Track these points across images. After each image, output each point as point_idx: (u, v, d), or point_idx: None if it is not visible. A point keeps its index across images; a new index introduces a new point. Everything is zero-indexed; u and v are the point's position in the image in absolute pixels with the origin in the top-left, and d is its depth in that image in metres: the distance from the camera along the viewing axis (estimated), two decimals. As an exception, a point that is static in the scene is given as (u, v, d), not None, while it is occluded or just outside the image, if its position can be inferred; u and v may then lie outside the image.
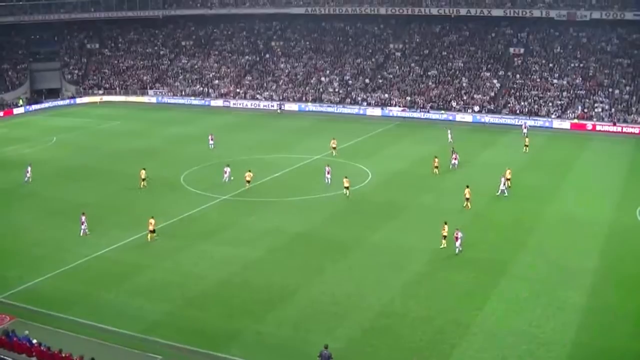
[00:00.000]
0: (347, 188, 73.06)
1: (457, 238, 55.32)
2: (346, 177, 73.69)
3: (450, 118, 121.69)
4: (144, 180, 78.08)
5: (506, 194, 73.12)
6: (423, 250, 56.75)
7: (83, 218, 61.12)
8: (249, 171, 78.47)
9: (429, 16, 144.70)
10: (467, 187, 69.68)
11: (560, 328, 43.51)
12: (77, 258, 56.26)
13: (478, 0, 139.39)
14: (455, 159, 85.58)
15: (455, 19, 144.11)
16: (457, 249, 55.37)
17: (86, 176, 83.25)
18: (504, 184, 73.80)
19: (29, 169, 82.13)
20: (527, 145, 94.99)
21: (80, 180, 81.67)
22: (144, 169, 79.25)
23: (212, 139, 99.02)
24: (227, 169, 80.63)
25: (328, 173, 77.58)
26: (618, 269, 53.16)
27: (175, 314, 46.74)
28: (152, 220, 60.90)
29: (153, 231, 60.69)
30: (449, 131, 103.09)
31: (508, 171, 76.77)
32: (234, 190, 75.05)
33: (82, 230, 60.54)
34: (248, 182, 77.21)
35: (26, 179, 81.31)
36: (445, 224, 57.79)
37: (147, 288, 50.68)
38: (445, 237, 57.29)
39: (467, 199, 69.24)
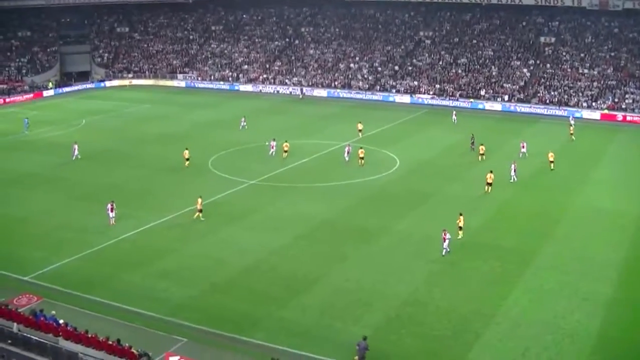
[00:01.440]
0: None
1: (444, 239, 53.44)
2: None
3: (480, 106, 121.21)
4: (187, 160, 79.28)
5: (514, 180, 73.15)
6: (449, 239, 56.52)
7: (111, 206, 60.43)
8: (286, 142, 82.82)
9: (459, 4, 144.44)
10: (491, 172, 70.36)
11: (585, 319, 43.32)
12: (104, 240, 56.63)
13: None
14: (475, 147, 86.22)
15: (485, 7, 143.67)
16: (444, 250, 53.44)
17: (114, 159, 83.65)
18: (514, 171, 73.82)
19: (76, 147, 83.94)
20: (572, 134, 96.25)
21: (108, 163, 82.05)
22: (187, 148, 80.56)
23: (244, 121, 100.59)
24: (273, 143, 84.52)
25: (347, 152, 79.81)
26: (645, 261, 52.93)
27: (201, 297, 46.96)
28: (199, 200, 61.81)
29: (200, 210, 61.38)
30: (453, 113, 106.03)
31: (551, 154, 79.37)
32: (261, 175, 75.12)
33: (110, 219, 60.13)
34: (285, 152, 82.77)
35: (74, 157, 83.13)
36: (461, 215, 57.54)
37: (173, 271, 50.90)
38: (461, 228, 56.99)
39: (489, 184, 69.76)
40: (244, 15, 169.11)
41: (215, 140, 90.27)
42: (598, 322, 43.08)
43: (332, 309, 45.07)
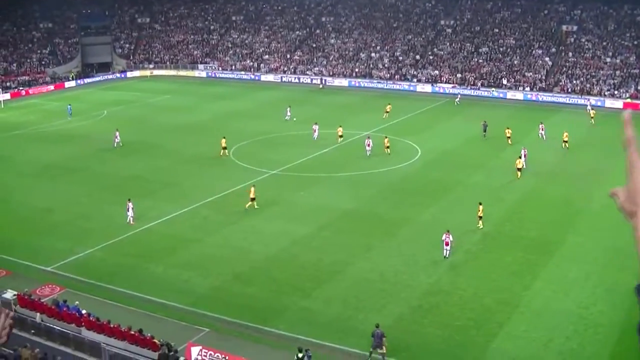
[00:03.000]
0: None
1: (447, 243, 50.89)
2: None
3: (501, 95, 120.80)
4: (224, 148, 79.76)
5: (524, 166, 72.51)
6: (472, 229, 56.35)
7: (130, 205, 58.94)
8: (340, 127, 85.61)
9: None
10: (520, 157, 71.80)
11: (608, 310, 43.09)
12: (127, 231, 56.78)
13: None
14: (487, 134, 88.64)
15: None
16: (445, 252, 51.05)
17: (136, 150, 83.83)
18: (525, 156, 73.65)
19: (117, 133, 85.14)
20: (592, 117, 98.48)
21: (130, 153, 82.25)
22: (224, 137, 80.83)
23: (289, 112, 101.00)
24: (316, 127, 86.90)
25: (368, 145, 78.45)
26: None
27: (223, 288, 47.04)
28: (252, 189, 61.89)
29: (253, 199, 61.46)
30: (459, 95, 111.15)
31: (565, 134, 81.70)
32: (283, 165, 75.15)
33: (128, 217, 58.73)
34: (340, 136, 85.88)
35: (115, 144, 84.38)
36: (480, 204, 57.14)
37: (196, 262, 50.98)
38: (480, 217, 56.64)
39: (519, 169, 70.72)
40: (265, 5, 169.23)
41: (236, 131, 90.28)
42: (622, 313, 42.76)
43: (355, 299, 44.99)
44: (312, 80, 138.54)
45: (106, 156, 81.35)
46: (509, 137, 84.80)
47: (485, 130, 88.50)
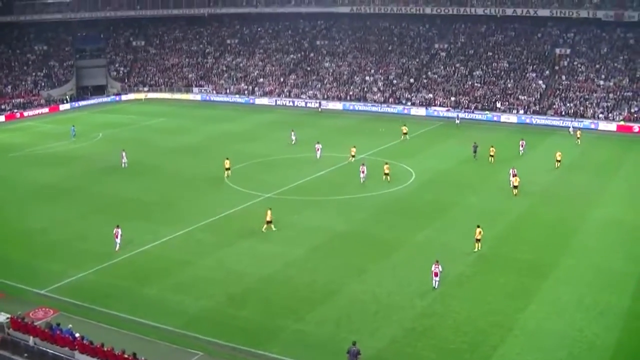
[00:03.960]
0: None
1: (436, 273, 49.68)
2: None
3: (495, 118, 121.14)
4: (228, 169, 80.00)
5: (514, 193, 73.12)
6: (466, 252, 56.45)
7: (118, 231, 58.31)
8: (354, 147, 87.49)
9: (474, 16, 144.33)
10: (516, 175, 73.53)
11: (602, 332, 43.10)
12: (121, 253, 56.71)
13: (524, 0, 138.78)
14: (478, 155, 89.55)
15: (500, 19, 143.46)
16: (434, 282, 49.72)
17: (131, 172, 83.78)
18: (513, 177, 74.34)
19: (124, 154, 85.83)
20: (579, 138, 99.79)
21: (125, 176, 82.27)
22: (228, 158, 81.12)
23: (294, 135, 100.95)
24: (319, 146, 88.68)
25: (363, 172, 77.74)
26: (664, 273, 52.67)
27: (217, 310, 46.97)
28: (269, 211, 61.85)
29: (270, 222, 61.57)
30: (458, 115, 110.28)
31: (559, 154, 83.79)
32: (277, 188, 75.15)
33: (117, 245, 58.13)
34: (353, 156, 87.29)
35: (123, 164, 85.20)
36: (478, 227, 57.28)
37: (189, 284, 50.94)
38: (478, 240, 56.83)
39: (515, 187, 72.17)
40: (259, 29, 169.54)
41: (232, 153, 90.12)
42: (616, 335, 42.88)
43: (348, 321, 44.98)
44: (306, 103, 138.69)
45: (102, 178, 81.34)
46: (492, 156, 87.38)
47: (475, 152, 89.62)
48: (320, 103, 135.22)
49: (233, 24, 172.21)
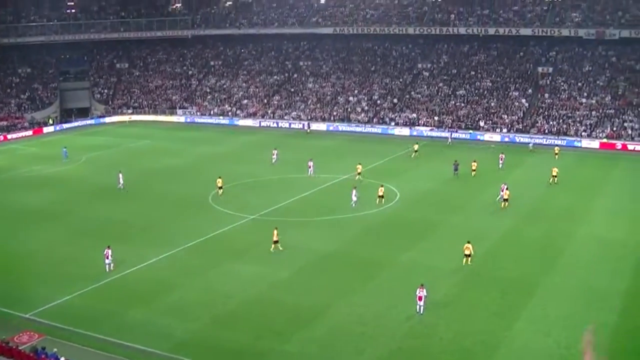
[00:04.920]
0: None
1: (420, 297, 48.75)
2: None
3: (479, 137, 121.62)
4: (220, 188, 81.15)
5: (502, 206, 74.64)
6: (452, 271, 56.53)
7: (108, 252, 58.35)
8: (359, 164, 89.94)
9: (457, 36, 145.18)
10: (507, 188, 75.57)
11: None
12: (107, 276, 56.46)
13: (506, 19, 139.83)
14: (459, 174, 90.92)
15: (483, 39, 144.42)
16: (418, 307, 49.46)
17: (116, 194, 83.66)
18: (503, 192, 75.94)
19: (121, 175, 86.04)
20: (557, 153, 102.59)
21: (110, 198, 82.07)
22: (220, 177, 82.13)
23: (276, 155, 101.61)
24: (311, 163, 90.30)
25: (355, 196, 76.74)
26: (649, 290, 52.86)
27: (203, 332, 46.77)
28: (275, 231, 61.96)
29: (277, 241, 61.71)
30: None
31: (555, 170, 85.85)
32: (262, 210, 75.13)
33: (107, 266, 58.14)
34: (359, 174, 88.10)
35: (120, 185, 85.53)
36: (468, 242, 57.73)
37: (175, 307, 50.75)
38: (467, 255, 57.40)
39: (505, 200, 74.28)
40: (243, 50, 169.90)
41: (216, 175, 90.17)
42: (603, 353, 42.83)
43: (335, 342, 44.91)
44: (290, 124, 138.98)
45: (87, 201, 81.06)
46: (473, 170, 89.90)
47: (456, 170, 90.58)
48: (309, 124, 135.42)
49: (216, 45, 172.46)
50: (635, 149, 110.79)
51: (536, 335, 45.28)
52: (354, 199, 76.25)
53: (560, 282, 54.33)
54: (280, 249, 61.59)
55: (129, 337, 45.85)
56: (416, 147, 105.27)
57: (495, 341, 44.58)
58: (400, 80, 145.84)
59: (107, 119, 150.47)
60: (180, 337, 45.98)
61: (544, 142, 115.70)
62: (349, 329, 46.62)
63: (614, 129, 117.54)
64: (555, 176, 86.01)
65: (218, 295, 52.79)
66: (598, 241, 64.21)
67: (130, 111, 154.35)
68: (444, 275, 55.40)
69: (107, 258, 57.97)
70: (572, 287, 53.27)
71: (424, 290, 48.95)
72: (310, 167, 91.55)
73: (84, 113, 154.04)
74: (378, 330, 46.50)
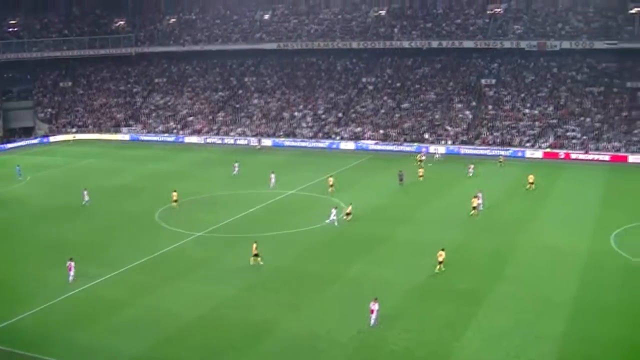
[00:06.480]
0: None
1: (372, 311, 48.60)
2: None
3: (424, 149, 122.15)
4: (175, 201, 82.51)
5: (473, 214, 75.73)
6: (401, 283, 56.68)
7: (71, 264, 58.73)
8: (331, 176, 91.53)
9: (400, 49, 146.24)
10: (475, 196, 77.41)
11: (539, 358, 43.53)
12: (53, 297, 55.68)
13: (449, 32, 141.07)
14: (404, 184, 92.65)
15: (427, 52, 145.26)
16: (372, 321, 48.70)
17: (61, 214, 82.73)
18: (478, 202, 77.86)
19: (85, 192, 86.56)
20: (501, 162, 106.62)
21: (55, 218, 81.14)
22: (175, 190, 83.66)
23: (237, 167, 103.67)
24: (273, 175, 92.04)
25: (334, 215, 75.19)
26: (596, 297, 53.31)
27: (153, 352, 46.30)
28: (254, 245, 61.86)
29: (256, 255, 61.55)
30: (437, 152, 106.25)
31: (531, 177, 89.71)
32: (209, 226, 74.79)
33: (70, 277, 58.48)
34: (331, 186, 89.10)
35: (84, 202, 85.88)
36: (443, 250, 59.06)
37: (124, 326, 50.21)
38: (440, 262, 58.48)
39: (474, 208, 75.81)
40: (187, 67, 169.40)
41: (162, 193, 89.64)
42: (552, 360, 43.44)
43: (285, 358, 44.83)
44: (235, 140, 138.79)
45: (32, 221, 79.99)
46: (420, 176, 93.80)
47: (401, 180, 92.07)
48: (259, 140, 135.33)
49: (161, 62, 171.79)
50: (578, 157, 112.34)
51: (486, 345, 45.58)
52: (333, 217, 75.10)
53: (509, 292, 54.72)
54: (260, 262, 61.43)
55: (79, 358, 45.42)
56: (420, 169, 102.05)
57: (446, 352, 44.74)
58: (345, 94, 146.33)
59: (52, 138, 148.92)
60: (131, 357, 45.53)
61: (489, 153, 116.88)
62: (300, 344, 46.50)
63: (557, 138, 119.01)
64: (532, 183, 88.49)
65: (167, 313, 52.37)
66: (545, 250, 64.80)
67: (74, 130, 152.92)
68: (394, 287, 55.48)
69: (70, 270, 58.16)
70: (521, 297, 53.68)
71: (377, 304, 48.82)
72: (272, 179, 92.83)
73: (27, 132, 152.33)
74: (329, 344, 46.41)
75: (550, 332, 47.13)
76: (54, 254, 65.14)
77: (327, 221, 74.89)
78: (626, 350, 44.96)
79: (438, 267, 58.74)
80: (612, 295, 53.79)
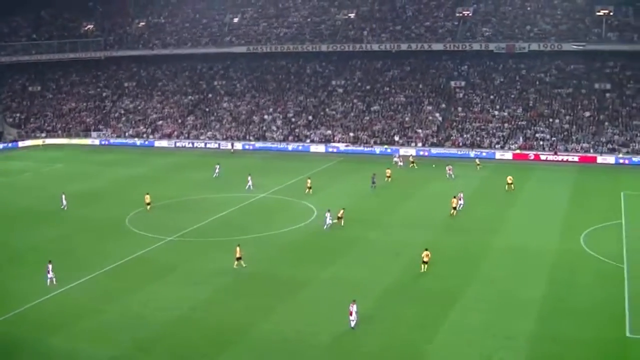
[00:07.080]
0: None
1: (350, 312, 48.64)
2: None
3: (389, 151, 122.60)
4: (148, 204, 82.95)
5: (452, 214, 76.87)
6: (373, 285, 56.67)
7: (50, 267, 58.68)
8: (309, 178, 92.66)
9: (370, 52, 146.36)
10: (455, 197, 79.01)
11: (509, 357, 43.73)
12: (23, 303, 55.16)
13: (418, 35, 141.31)
14: (375, 187, 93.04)
15: (396, 54, 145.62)
16: (351, 323, 48.60)
17: (30, 220, 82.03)
18: (458, 203, 79.44)
19: (64, 196, 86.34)
20: (479, 164, 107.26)
21: (24, 223, 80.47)
22: (148, 193, 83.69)
23: (218, 169, 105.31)
24: (250, 177, 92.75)
25: (329, 219, 74.98)
26: (566, 297, 53.67)
27: (125, 358, 46.06)
28: (237, 248, 61.84)
29: (239, 258, 61.53)
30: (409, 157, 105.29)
31: (509, 178, 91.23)
32: (179, 231, 74.50)
33: (49, 280, 58.39)
34: (309, 188, 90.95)
35: (62, 206, 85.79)
36: (427, 250, 59.54)
37: (95, 332, 49.85)
38: (425, 262, 59.10)
39: (454, 208, 77.29)
40: (157, 71, 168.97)
41: (131, 197, 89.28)
42: (523, 359, 43.58)
43: (259, 361, 44.75)
44: (206, 144, 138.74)
45: (0, 228, 79.48)
46: (388, 177, 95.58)
47: (374, 182, 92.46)
48: (232, 143, 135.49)
49: (130, 66, 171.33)
50: (547, 158, 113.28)
51: (458, 345, 45.72)
52: (329, 221, 74.95)
53: (479, 293, 54.97)
54: (244, 265, 61.32)
55: (49, 364, 45.11)
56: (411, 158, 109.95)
57: (418, 353, 44.89)
58: (315, 97, 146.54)
59: (21, 143, 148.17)
60: (102, 363, 45.35)
61: (459, 154, 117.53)
62: (272, 347, 46.39)
63: (526, 140, 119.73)
64: (511, 184, 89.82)
65: (138, 318, 52.07)
66: (515, 250, 65.16)
67: (44, 135, 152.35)
68: (366, 290, 55.47)
69: (49, 273, 58.24)
70: (491, 297, 53.95)
71: (355, 306, 48.75)
72: (249, 180, 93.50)
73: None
74: (302, 347, 46.37)
75: (520, 331, 47.36)
76: (22, 261, 64.76)
77: (325, 227, 74.64)
78: (595, 350, 45.25)
79: (423, 267, 59.21)
80: (582, 295, 54.14)
